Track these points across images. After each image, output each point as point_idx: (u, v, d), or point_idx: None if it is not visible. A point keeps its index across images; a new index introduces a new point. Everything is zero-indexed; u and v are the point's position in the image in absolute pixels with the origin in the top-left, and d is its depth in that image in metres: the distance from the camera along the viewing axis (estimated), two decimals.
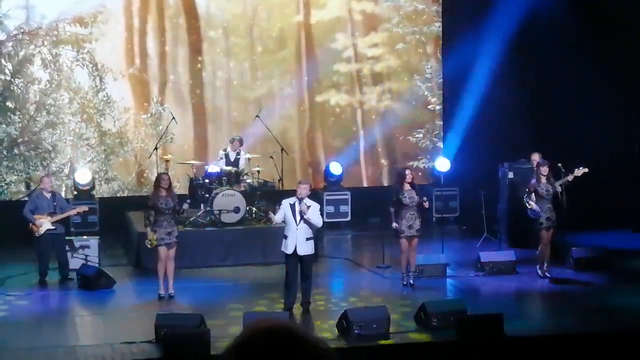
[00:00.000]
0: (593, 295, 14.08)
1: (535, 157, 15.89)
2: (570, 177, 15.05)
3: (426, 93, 20.06)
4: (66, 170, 18.52)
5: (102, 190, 18.73)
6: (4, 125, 18.14)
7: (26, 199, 17.94)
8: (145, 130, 18.83)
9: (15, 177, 18.27)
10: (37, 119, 18.29)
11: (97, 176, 18.58)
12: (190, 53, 19.06)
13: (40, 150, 18.34)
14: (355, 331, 11.68)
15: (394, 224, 14.21)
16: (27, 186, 18.25)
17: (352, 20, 19.71)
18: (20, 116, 18.22)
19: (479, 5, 19.19)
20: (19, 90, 18.21)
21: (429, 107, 20.09)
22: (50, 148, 18.41)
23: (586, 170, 15.07)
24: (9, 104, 18.20)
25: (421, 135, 20.15)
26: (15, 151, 18.22)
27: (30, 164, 18.30)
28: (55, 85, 18.32)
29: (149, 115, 18.85)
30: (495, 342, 11.22)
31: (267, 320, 2.56)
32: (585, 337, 11.76)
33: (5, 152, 18.16)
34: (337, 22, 19.65)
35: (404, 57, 19.99)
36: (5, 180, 18.23)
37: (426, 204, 14.33)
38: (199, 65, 19.09)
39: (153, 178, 18.41)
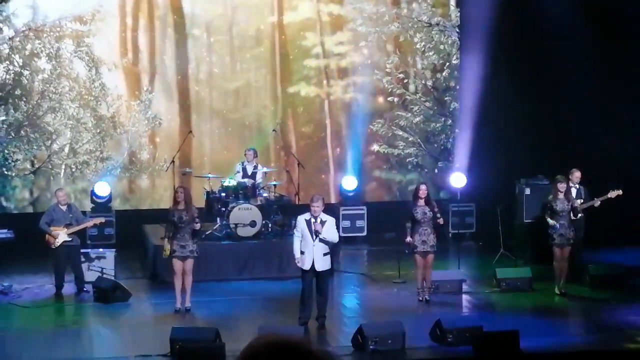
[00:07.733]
0: (610, 312, 13.95)
1: (577, 174, 15.66)
2: (601, 199, 15.00)
3: (386, 86, 21.39)
4: (66, 150, 20.07)
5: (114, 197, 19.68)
6: (12, 110, 19.79)
7: (31, 175, 19.69)
8: (136, 115, 20.44)
9: (22, 156, 19.93)
10: (41, 104, 19.93)
11: (92, 155, 20.10)
12: (177, 48, 20.72)
13: (43, 132, 19.98)
14: (371, 346, 11.62)
15: (408, 238, 14.23)
16: (32, 164, 19.91)
17: (321, 21, 21.13)
18: (26, 102, 19.90)
19: (494, 17, 19.20)
20: (26, 80, 19.90)
21: (388, 99, 21.48)
22: (52, 130, 20.03)
23: (620, 192, 14.96)
24: (17, 92, 19.81)
25: (380, 124, 21.39)
26: (22, 133, 19.86)
27: (34, 145, 19.94)
28: (57, 75, 20.00)
29: (139, 102, 20.42)
30: (511, 359, 11.18)
31: (272, 334, 2.55)
32: (601, 355, 11.69)
33: (13, 134, 19.79)
34: (307, 22, 21.01)
35: (366, 54, 21.45)
36: (13, 158, 19.84)
37: (440, 221, 14.31)
38: (184, 59, 20.71)
39: (143, 158, 20.52)
